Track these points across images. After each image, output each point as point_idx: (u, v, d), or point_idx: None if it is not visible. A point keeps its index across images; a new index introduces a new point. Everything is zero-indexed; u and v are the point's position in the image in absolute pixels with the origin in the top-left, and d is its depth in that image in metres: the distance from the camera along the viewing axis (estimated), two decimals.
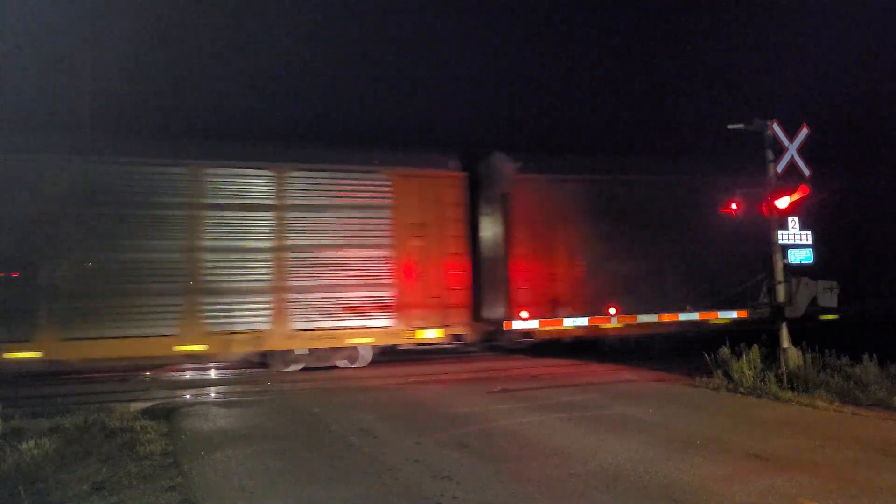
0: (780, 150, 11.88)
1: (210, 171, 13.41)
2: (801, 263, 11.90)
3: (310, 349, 13.85)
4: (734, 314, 15.41)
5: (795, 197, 11.30)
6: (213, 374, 14.44)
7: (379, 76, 35.98)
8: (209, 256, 13.20)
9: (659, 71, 36.37)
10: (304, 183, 13.94)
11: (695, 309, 15.60)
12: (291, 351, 13.81)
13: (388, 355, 15.48)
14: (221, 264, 13.26)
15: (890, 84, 24.29)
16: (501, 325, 14.75)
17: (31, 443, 7.21)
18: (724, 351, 11.58)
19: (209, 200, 13.31)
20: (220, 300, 13.15)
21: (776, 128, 11.81)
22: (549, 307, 15.18)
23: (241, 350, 13.52)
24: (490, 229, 15.52)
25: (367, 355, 14.60)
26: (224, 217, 13.37)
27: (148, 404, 10.56)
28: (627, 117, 30.97)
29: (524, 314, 14.89)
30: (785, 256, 11.82)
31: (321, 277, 13.77)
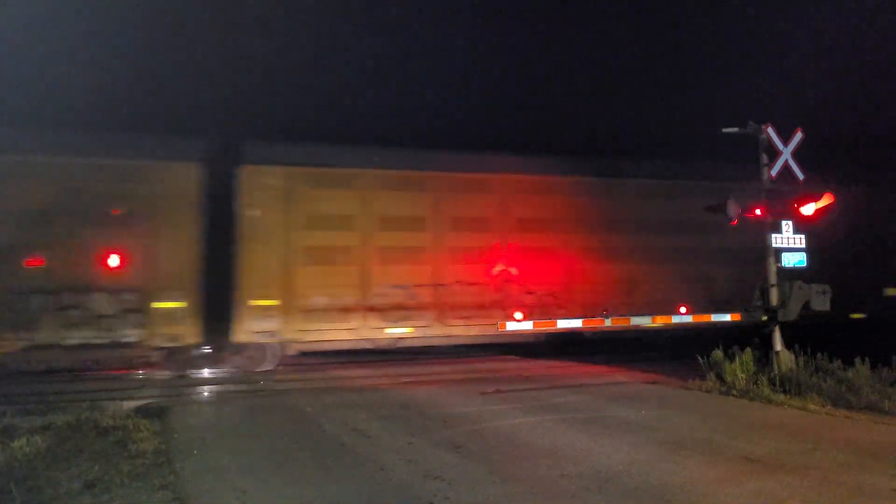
0: (774, 154, 11.93)
1: None
2: (794, 267, 11.94)
3: None
4: (727, 317, 15.45)
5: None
6: (206, 373, 14.41)
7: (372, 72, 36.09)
8: None
9: (655, 72, 36.45)
10: None
11: (689, 312, 15.66)
12: None
13: (384, 354, 15.52)
14: None
15: (886, 86, 24.44)
16: None
17: (23, 440, 7.19)
18: (717, 353, 11.62)
19: None
20: None
21: (770, 132, 11.85)
22: None
23: None
24: None
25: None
26: None
27: (141, 402, 10.53)
28: (623, 118, 31.06)
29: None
30: (778, 260, 11.86)
31: None
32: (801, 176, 11.81)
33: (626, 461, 6.64)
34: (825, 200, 11.32)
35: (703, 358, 11.76)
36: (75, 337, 13.08)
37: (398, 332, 14.73)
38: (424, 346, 15.77)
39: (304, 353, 15.02)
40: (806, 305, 11.99)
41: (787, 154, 11.85)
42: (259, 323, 13.91)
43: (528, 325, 14.92)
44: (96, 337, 13.19)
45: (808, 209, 11.39)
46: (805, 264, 12.01)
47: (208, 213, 14.01)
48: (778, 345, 11.38)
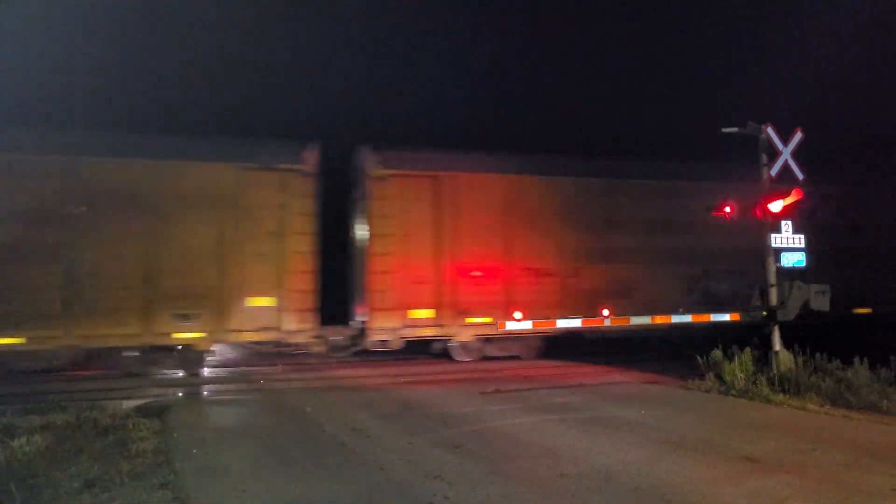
0: (774, 154, 11.93)
1: None
2: (793, 266, 11.95)
3: None
4: (726, 317, 15.46)
5: (789, 200, 11.37)
6: (206, 372, 14.40)
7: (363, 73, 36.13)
8: None
9: (654, 73, 36.48)
10: None
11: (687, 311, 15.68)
12: None
13: (380, 355, 15.50)
14: None
15: (886, 87, 24.48)
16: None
17: (23, 440, 7.19)
18: (717, 353, 11.63)
19: None
20: None
21: (770, 132, 11.85)
22: None
23: None
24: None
25: None
26: None
27: (140, 402, 10.54)
28: (622, 119, 31.09)
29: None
30: (777, 260, 11.86)
31: None
32: (800, 176, 11.81)
33: (625, 461, 6.64)
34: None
35: (702, 358, 11.77)
36: None
37: None
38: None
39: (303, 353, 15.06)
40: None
41: (786, 154, 11.85)
42: None
43: (527, 325, 14.93)
44: None
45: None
46: (804, 264, 12.03)
47: None
48: (777, 344, 11.39)
